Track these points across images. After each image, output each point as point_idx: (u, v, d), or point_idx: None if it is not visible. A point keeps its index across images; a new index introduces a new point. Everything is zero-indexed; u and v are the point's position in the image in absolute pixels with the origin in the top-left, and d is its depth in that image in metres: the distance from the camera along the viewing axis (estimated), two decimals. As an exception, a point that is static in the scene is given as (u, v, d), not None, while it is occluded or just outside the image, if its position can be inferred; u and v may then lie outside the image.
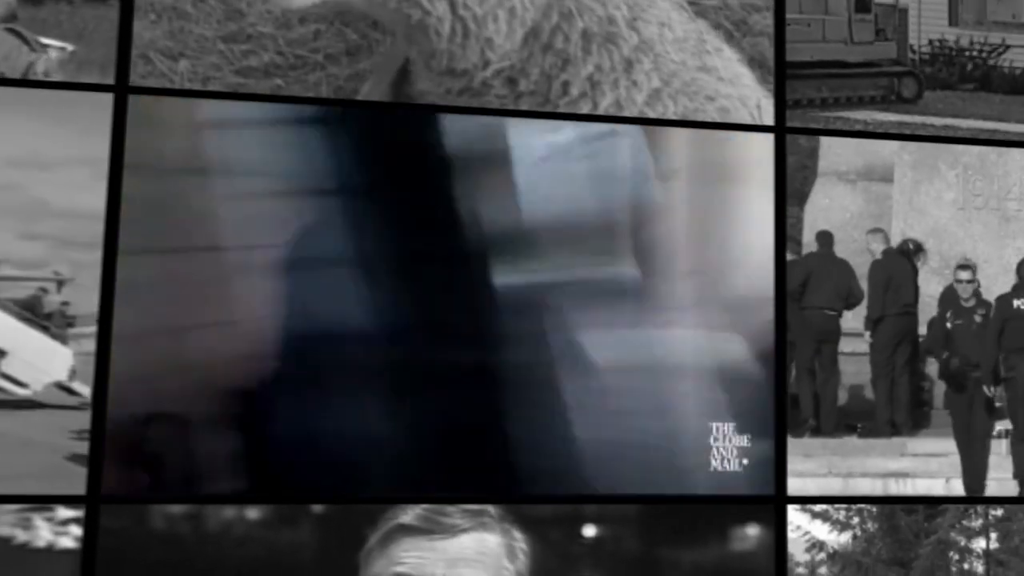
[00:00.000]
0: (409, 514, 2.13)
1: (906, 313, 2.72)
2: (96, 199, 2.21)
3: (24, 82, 2.25)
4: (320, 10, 2.40)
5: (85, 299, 2.23)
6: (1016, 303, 2.72)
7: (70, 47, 2.27)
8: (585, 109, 2.47)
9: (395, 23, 2.41)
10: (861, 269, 2.72)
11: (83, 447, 2.15)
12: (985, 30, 3.16)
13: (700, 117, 2.55)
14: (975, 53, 3.12)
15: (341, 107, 2.38)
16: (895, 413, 2.63)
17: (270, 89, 2.39)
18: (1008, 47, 3.13)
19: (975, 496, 2.59)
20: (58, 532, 2.17)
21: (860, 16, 3.07)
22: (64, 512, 2.16)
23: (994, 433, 2.67)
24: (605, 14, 2.48)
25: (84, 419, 2.17)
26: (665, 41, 2.52)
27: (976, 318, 2.74)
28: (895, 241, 2.73)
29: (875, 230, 2.76)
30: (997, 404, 2.69)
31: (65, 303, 2.25)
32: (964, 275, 2.76)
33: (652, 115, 2.51)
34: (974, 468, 2.60)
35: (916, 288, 2.74)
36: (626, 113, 2.49)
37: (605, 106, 2.49)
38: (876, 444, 2.61)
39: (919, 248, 2.76)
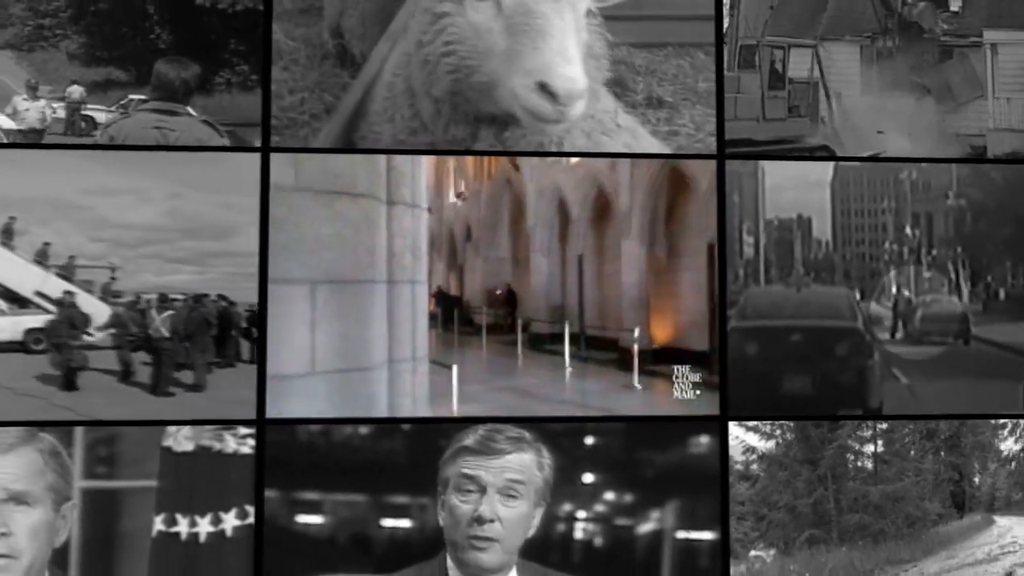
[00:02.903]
0: (470, 439, 2.54)
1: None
2: (138, 216, 3.10)
3: (189, 148, 3.12)
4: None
5: (130, 281, 3.15)
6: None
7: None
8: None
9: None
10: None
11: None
12: (897, 98, 3.35)
13: (591, 130, 3.19)
14: (888, 121, 3.30)
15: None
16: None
17: (272, 144, 3.10)
18: (923, 113, 3.35)
19: (866, 415, 3.32)
20: (239, 443, 3.06)
21: (773, 93, 3.31)
22: (243, 430, 3.06)
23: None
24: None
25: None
26: None
27: None
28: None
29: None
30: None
31: (114, 278, 3.16)
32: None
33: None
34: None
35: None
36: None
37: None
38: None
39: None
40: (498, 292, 3.74)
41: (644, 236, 3.61)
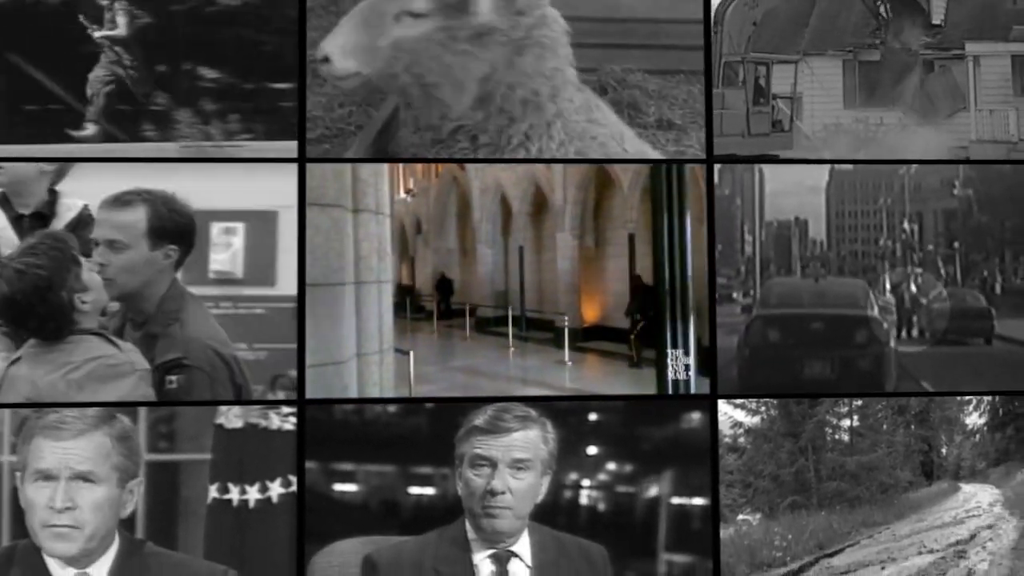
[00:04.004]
0: (480, 419, 2.70)
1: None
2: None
3: (223, 159, 3.32)
4: (350, 85, 3.32)
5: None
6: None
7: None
8: (521, 154, 3.31)
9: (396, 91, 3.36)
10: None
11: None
12: (880, 111, 3.38)
13: (587, 150, 3.34)
14: (871, 135, 3.34)
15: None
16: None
17: (321, 152, 3.30)
18: (904, 126, 3.38)
19: (841, 392, 3.50)
20: (283, 420, 3.25)
21: (757, 108, 3.37)
22: (286, 409, 3.24)
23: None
24: (533, 87, 3.31)
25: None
26: (570, 110, 3.36)
27: None
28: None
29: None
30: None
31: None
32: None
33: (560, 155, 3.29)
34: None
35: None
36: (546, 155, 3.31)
37: (534, 151, 3.30)
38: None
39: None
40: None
41: (575, 228, 3.94)
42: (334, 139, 3.37)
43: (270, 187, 3.38)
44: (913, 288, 3.57)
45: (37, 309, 3.02)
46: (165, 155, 3.32)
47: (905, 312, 3.58)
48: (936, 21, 3.48)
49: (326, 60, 3.28)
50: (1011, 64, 3.48)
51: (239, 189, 3.38)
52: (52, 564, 2.60)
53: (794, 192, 3.49)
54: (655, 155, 3.44)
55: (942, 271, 3.58)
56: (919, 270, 3.59)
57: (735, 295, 3.50)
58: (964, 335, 3.61)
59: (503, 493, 2.63)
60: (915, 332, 3.59)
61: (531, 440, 2.71)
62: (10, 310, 3.04)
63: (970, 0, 3.52)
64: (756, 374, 3.50)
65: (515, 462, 2.68)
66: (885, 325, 3.55)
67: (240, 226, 3.40)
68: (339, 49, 3.28)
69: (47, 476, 2.57)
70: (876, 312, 3.55)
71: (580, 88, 3.43)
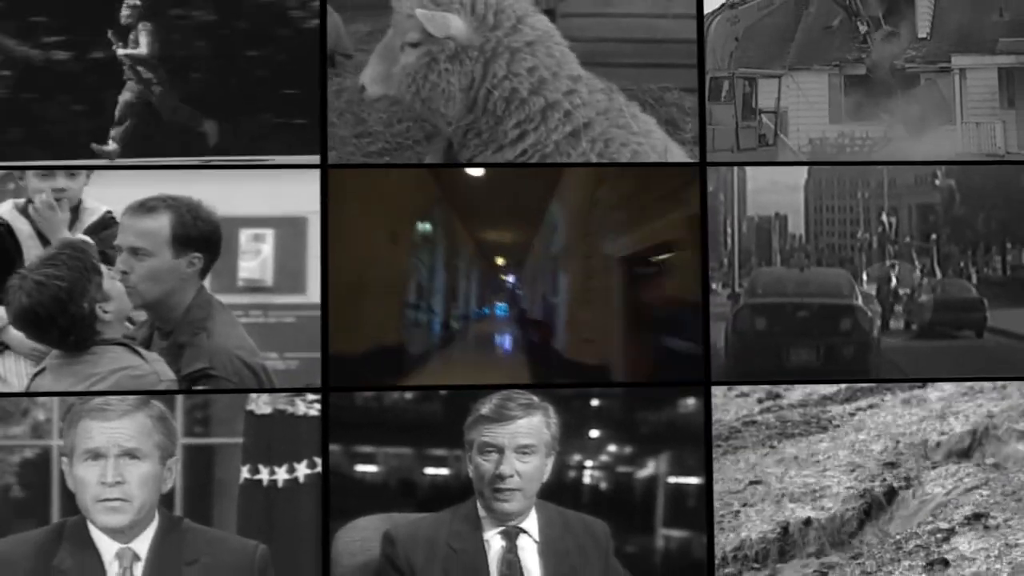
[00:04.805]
0: (486, 407, 2.85)
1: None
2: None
3: (251, 164, 3.39)
4: (383, 106, 3.56)
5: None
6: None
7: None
8: (521, 147, 3.43)
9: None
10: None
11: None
12: (866, 125, 3.41)
13: (615, 157, 3.40)
14: (856, 148, 3.36)
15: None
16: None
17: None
18: (890, 140, 3.40)
19: (826, 379, 3.61)
20: (308, 406, 3.31)
21: (746, 123, 3.43)
22: (311, 396, 3.30)
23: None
24: (511, 87, 3.43)
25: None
26: (572, 104, 3.44)
27: None
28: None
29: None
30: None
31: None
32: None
33: (572, 152, 3.39)
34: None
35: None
36: (549, 149, 3.40)
37: (531, 140, 3.41)
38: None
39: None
40: None
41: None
42: (394, 152, 3.58)
43: (299, 192, 3.45)
44: (894, 280, 3.64)
45: (58, 321, 2.96)
46: (184, 164, 3.46)
47: (888, 304, 3.66)
48: (922, 34, 3.50)
49: (363, 89, 3.57)
50: (997, 77, 3.47)
51: (268, 194, 3.45)
52: (98, 539, 2.83)
53: (774, 190, 3.58)
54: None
55: (916, 263, 3.64)
56: (896, 261, 3.66)
57: (715, 286, 3.57)
58: (953, 327, 3.68)
59: (511, 476, 2.80)
60: (900, 324, 3.66)
61: (535, 426, 2.86)
62: (31, 323, 2.99)
63: (956, 13, 3.52)
64: (744, 361, 3.58)
65: (521, 447, 2.84)
66: (869, 314, 3.63)
67: (270, 232, 3.45)
68: (369, 79, 3.58)
69: (96, 454, 2.79)
70: (860, 301, 3.62)
71: (608, 92, 3.55)
